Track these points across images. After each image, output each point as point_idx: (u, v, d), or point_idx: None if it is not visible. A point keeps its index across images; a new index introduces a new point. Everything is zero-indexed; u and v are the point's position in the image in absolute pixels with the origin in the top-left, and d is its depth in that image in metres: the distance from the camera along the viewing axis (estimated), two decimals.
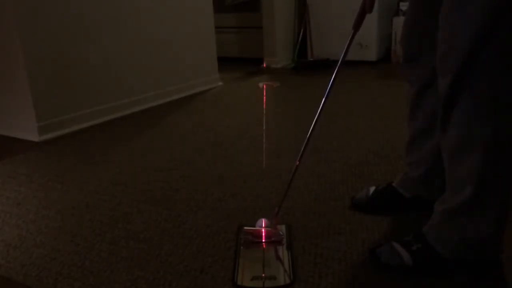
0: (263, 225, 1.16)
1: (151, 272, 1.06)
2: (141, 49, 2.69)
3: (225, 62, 3.98)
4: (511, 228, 1.00)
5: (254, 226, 1.17)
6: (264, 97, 2.95)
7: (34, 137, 2.15)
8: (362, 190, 1.37)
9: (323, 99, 1.09)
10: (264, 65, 4.17)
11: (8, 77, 2.16)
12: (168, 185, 1.56)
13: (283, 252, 1.10)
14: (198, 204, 1.40)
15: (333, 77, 1.08)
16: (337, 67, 1.07)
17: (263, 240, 1.14)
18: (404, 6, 3.90)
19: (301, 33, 4.18)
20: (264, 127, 2.20)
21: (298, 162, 1.13)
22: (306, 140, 1.12)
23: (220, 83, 3.40)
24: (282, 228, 1.20)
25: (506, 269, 1.00)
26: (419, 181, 1.23)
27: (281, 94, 3.05)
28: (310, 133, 1.11)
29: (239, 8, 4.34)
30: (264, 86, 3.25)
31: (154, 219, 1.32)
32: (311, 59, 4.04)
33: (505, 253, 1.00)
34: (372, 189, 1.33)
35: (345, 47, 1.07)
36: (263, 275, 1.01)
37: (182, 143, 2.03)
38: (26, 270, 1.10)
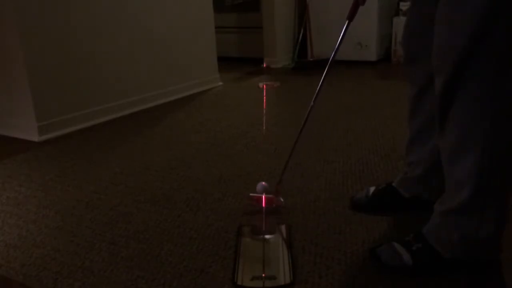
0: (264, 184, 1.33)
1: (151, 272, 1.06)
2: (141, 49, 2.69)
3: (225, 62, 3.98)
4: (510, 228, 1.00)
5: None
6: (264, 97, 2.95)
7: (34, 137, 2.15)
8: (362, 190, 1.37)
9: (316, 91, 1.14)
10: (264, 65, 4.17)
11: (8, 77, 2.16)
12: (168, 185, 1.56)
13: (283, 251, 1.10)
14: (198, 204, 1.40)
15: (327, 68, 1.11)
16: (332, 56, 1.10)
17: (264, 206, 1.26)
18: (404, 6, 3.90)
19: (301, 33, 4.18)
20: (264, 127, 2.20)
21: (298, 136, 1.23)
22: (302, 128, 1.18)
23: (220, 83, 3.40)
24: (282, 228, 1.20)
25: (505, 269, 1.00)
26: (419, 181, 1.23)
27: (281, 94, 3.05)
28: (306, 120, 1.18)
29: (239, 8, 4.34)
30: (264, 86, 3.26)
31: (154, 219, 1.32)
32: (311, 59, 4.04)
33: (504, 253, 1.00)
34: (372, 189, 1.33)
35: (340, 37, 1.09)
36: (263, 275, 1.01)
37: (182, 143, 2.03)
38: (26, 270, 1.10)
